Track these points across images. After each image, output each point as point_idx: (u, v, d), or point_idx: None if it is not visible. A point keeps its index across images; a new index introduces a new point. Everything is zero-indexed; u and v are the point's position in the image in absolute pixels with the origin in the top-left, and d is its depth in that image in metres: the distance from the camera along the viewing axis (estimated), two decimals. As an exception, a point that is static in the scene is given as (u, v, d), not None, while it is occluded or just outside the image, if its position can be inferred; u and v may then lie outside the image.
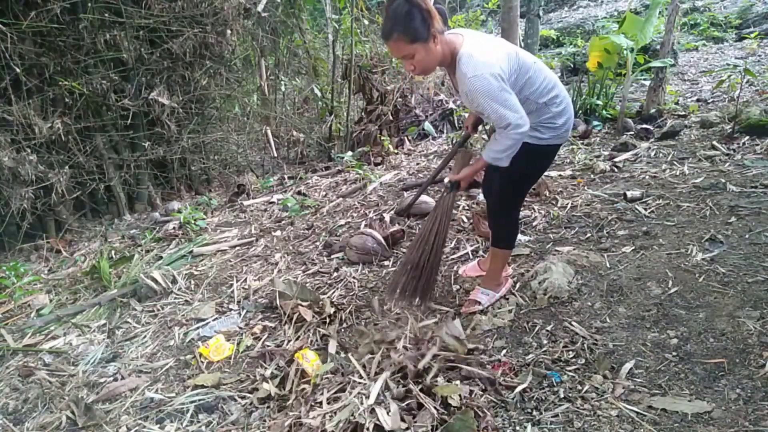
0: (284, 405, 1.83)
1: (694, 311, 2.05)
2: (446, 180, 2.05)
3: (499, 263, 2.31)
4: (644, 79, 6.29)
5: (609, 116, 5.00)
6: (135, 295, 2.87)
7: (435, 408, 1.59)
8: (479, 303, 2.31)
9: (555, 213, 3.07)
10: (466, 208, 3.35)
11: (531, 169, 2.09)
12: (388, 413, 1.56)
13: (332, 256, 3.07)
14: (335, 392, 1.77)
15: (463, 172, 2.05)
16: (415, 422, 1.56)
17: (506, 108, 1.76)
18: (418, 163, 4.67)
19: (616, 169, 3.63)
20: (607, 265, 2.45)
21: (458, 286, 2.55)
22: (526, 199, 3.32)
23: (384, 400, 1.63)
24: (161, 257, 3.40)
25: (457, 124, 5.73)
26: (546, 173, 3.72)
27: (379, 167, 4.83)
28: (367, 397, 1.63)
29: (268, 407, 1.85)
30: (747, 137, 3.81)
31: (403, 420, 1.56)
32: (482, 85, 1.74)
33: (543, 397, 1.74)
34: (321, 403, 1.71)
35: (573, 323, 2.10)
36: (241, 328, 2.46)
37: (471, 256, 2.80)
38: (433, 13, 1.70)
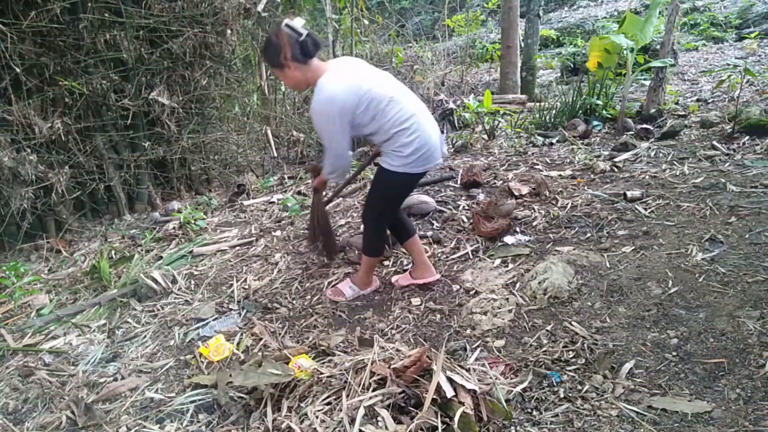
0: (281, 406, 1.82)
1: (694, 311, 2.05)
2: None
3: (366, 267, 2.57)
4: (644, 79, 6.30)
5: (609, 116, 5.00)
6: (135, 295, 2.87)
7: (435, 411, 1.59)
8: (344, 295, 2.59)
9: (555, 213, 3.07)
10: (466, 208, 3.35)
11: (388, 191, 2.34)
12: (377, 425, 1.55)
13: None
14: (324, 400, 1.74)
15: (314, 180, 2.54)
16: (414, 423, 1.55)
17: (329, 140, 2.14)
18: (418, 163, 4.67)
19: (616, 169, 3.63)
20: (607, 265, 2.45)
21: (458, 286, 2.55)
22: (526, 198, 3.33)
23: (373, 412, 1.60)
24: (161, 257, 3.40)
25: (457, 124, 5.73)
26: (546, 173, 3.73)
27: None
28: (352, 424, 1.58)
29: (267, 407, 1.84)
30: (747, 137, 3.81)
31: (400, 422, 1.56)
32: (318, 114, 2.08)
33: (543, 397, 1.74)
34: (306, 414, 1.69)
35: (573, 323, 2.10)
36: (241, 328, 2.46)
37: (471, 256, 2.80)
38: (281, 48, 2.02)
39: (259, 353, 2.18)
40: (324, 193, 2.80)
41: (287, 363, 1.98)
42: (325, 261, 2.97)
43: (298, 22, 2.05)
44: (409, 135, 2.14)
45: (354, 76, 2.12)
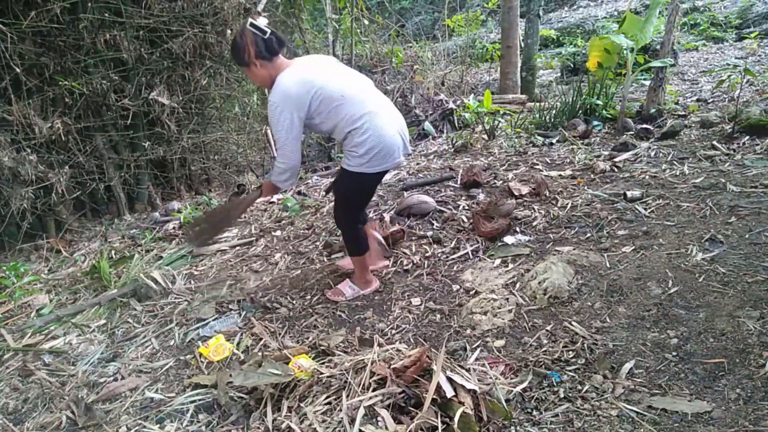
0: (281, 406, 1.82)
1: (694, 311, 2.05)
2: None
3: (359, 266, 2.58)
4: (644, 79, 6.29)
5: (609, 116, 5.00)
6: (135, 295, 2.87)
7: (435, 411, 1.59)
8: (344, 295, 2.58)
9: (555, 213, 3.07)
10: (466, 208, 3.35)
11: (348, 191, 2.38)
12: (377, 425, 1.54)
13: (332, 256, 3.07)
14: (324, 400, 1.74)
15: (264, 186, 2.44)
16: (414, 423, 1.55)
17: (277, 140, 2.16)
18: (418, 163, 4.67)
19: (616, 169, 3.63)
20: (607, 265, 2.45)
21: (458, 286, 2.55)
22: (526, 198, 3.33)
23: (374, 412, 1.60)
24: (161, 257, 3.40)
25: (456, 124, 5.73)
26: (546, 173, 3.73)
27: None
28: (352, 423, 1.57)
29: (267, 407, 1.84)
30: (747, 137, 3.81)
31: (400, 422, 1.56)
32: (271, 112, 2.12)
33: (543, 397, 1.74)
34: (306, 414, 1.69)
35: (573, 323, 2.10)
36: (241, 328, 2.46)
37: (471, 256, 2.80)
38: (246, 47, 2.09)
39: (259, 353, 2.18)
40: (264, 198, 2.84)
41: (287, 363, 1.98)
42: (192, 244, 3.18)
43: (262, 21, 2.12)
44: (362, 134, 2.15)
45: (309, 72, 2.15)
